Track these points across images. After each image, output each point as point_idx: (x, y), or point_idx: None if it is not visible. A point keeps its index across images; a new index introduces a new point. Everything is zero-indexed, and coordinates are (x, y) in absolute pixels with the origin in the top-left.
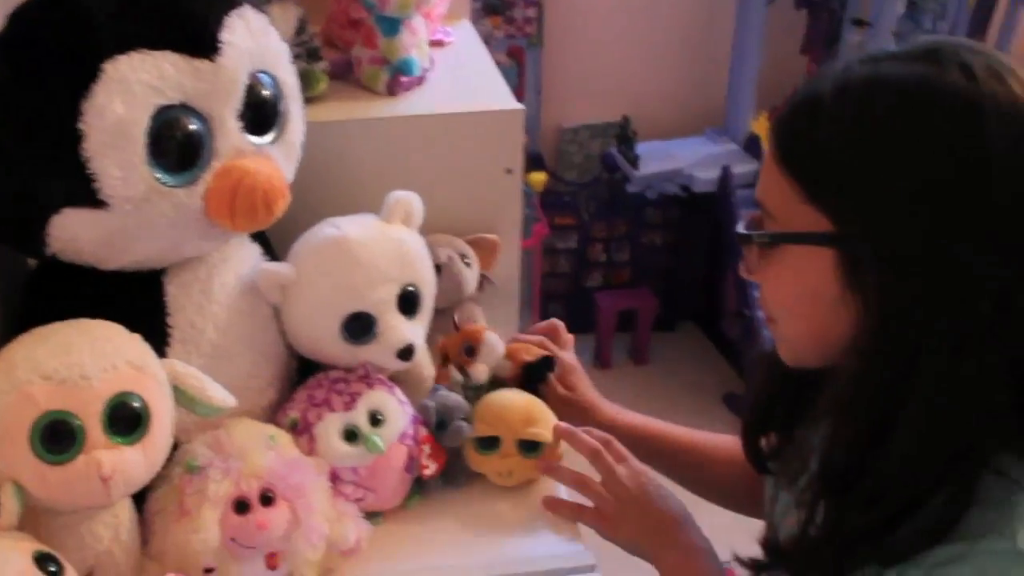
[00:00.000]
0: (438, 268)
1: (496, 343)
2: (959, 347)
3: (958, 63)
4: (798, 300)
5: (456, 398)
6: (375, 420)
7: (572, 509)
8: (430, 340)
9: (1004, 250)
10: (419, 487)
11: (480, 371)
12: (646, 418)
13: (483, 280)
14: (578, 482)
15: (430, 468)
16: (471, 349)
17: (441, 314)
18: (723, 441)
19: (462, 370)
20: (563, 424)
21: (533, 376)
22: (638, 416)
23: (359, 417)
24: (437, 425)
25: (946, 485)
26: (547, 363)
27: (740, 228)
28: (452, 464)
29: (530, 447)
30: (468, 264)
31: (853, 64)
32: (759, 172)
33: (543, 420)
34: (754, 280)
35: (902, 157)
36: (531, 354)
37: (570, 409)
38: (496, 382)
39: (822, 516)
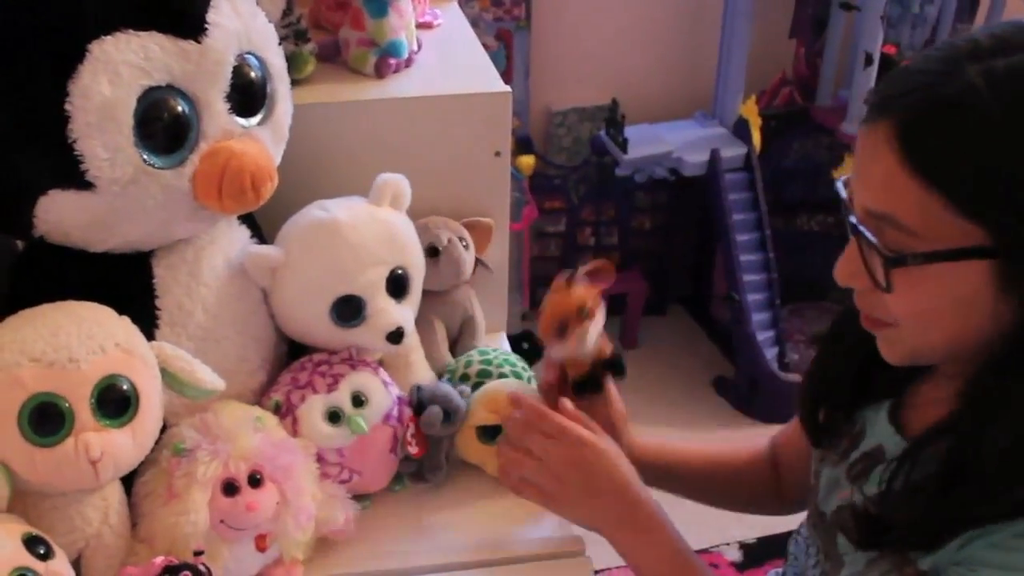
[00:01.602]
0: (438, 251)
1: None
2: None
3: None
4: (941, 311)
5: (446, 388)
6: (358, 401)
7: (515, 484)
8: (424, 324)
9: None
10: (407, 471)
11: (592, 337)
12: (662, 440)
13: (477, 264)
14: (510, 462)
15: (413, 447)
16: (586, 312)
17: (440, 297)
18: (741, 448)
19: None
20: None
21: (614, 369)
22: (654, 439)
23: (342, 398)
24: (417, 408)
25: None
26: (621, 364)
27: (876, 243)
28: (431, 456)
29: None
30: (466, 247)
31: (981, 58)
32: (863, 178)
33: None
34: (861, 287)
35: None
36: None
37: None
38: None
39: (914, 488)
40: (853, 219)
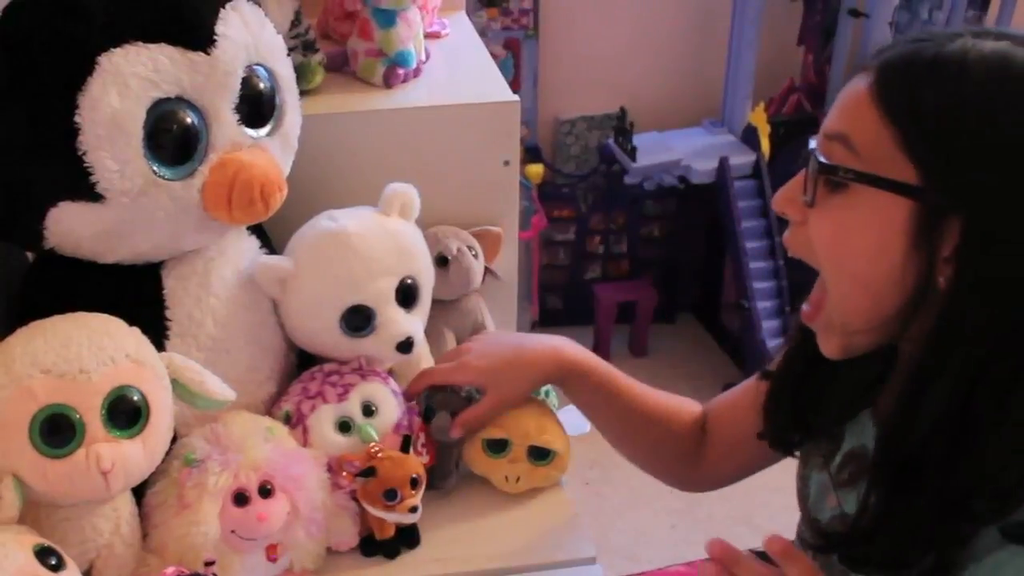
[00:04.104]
0: (447, 260)
1: None
2: None
3: None
4: (855, 249)
5: (456, 394)
6: (368, 411)
7: None
8: (434, 333)
9: None
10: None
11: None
12: (611, 368)
13: (486, 273)
14: None
15: (423, 456)
16: (418, 482)
17: (449, 306)
18: (677, 406)
19: None
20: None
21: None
22: (603, 363)
23: (352, 408)
24: (426, 416)
25: None
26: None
27: (819, 156)
28: (440, 463)
29: (540, 455)
30: (476, 256)
31: (981, 35)
32: (833, 109)
33: (554, 429)
34: (793, 216)
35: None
36: None
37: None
38: None
39: (885, 495)
40: (811, 146)
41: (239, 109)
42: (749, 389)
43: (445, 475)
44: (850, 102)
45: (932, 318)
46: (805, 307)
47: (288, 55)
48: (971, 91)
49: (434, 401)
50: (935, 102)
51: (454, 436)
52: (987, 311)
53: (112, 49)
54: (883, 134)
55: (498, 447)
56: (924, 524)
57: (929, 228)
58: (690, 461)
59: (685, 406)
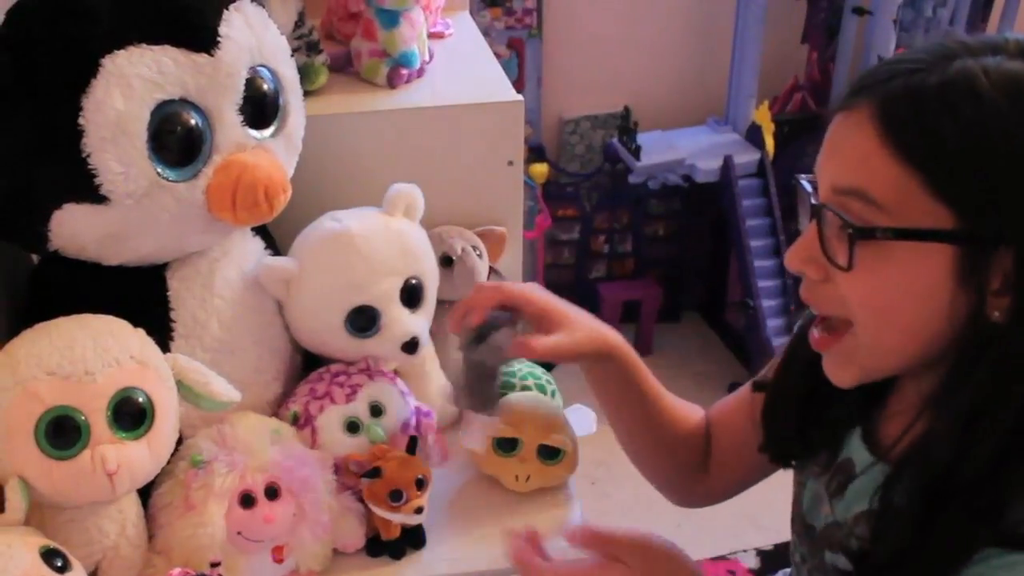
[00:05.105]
0: (452, 260)
1: None
2: None
3: None
4: (898, 302)
5: (500, 315)
6: (376, 411)
7: None
8: (441, 332)
9: None
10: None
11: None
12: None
13: (491, 272)
14: None
15: (436, 457)
16: (424, 483)
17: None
18: (687, 413)
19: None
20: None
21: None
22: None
23: (360, 408)
24: (479, 337)
25: None
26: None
27: (844, 216)
28: (485, 387)
29: (550, 454)
30: (480, 256)
31: (974, 51)
32: (835, 157)
33: (564, 428)
34: (813, 276)
35: None
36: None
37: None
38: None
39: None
40: (815, 201)
41: (243, 110)
42: (748, 395)
43: (491, 399)
44: (857, 152)
45: (974, 346)
46: (816, 333)
47: (292, 56)
48: (990, 116)
49: (484, 326)
50: (956, 136)
51: (512, 356)
52: None
53: (116, 51)
54: (906, 181)
55: (508, 446)
56: (954, 539)
57: (976, 267)
58: (695, 468)
59: (692, 411)
